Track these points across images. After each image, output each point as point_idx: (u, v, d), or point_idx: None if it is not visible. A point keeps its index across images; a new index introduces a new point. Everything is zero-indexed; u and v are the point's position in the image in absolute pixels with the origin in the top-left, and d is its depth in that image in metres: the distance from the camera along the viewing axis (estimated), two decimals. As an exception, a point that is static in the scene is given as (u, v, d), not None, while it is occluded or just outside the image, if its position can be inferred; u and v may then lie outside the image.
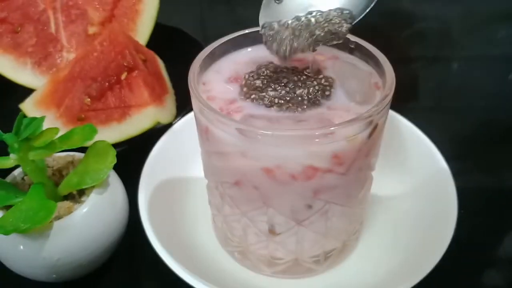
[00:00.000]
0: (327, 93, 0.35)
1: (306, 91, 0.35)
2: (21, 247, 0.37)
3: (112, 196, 0.40)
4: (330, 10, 0.36)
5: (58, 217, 0.37)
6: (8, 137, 0.36)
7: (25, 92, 0.54)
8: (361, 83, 0.36)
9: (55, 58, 0.58)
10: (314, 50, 0.36)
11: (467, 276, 0.42)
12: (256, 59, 0.38)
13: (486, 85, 0.66)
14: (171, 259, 0.37)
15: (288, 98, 0.34)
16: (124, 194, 0.42)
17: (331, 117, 0.33)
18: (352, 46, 0.38)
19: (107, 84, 0.51)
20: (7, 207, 0.38)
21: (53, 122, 0.50)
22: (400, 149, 0.47)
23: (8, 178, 0.41)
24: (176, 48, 0.59)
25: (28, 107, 0.52)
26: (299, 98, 0.34)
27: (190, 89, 0.34)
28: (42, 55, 0.58)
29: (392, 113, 0.47)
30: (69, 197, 0.40)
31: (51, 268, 0.37)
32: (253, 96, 0.35)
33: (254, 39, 0.39)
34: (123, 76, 0.51)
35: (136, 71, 0.51)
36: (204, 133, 0.35)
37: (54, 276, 0.38)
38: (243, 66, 0.38)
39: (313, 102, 0.34)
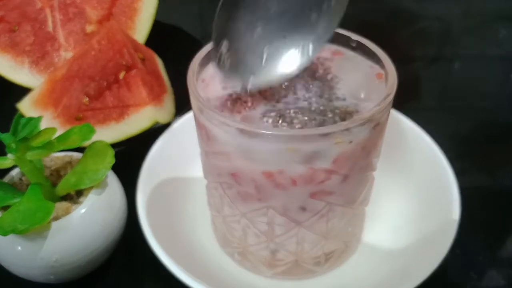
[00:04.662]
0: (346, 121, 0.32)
1: (322, 119, 0.32)
2: (19, 248, 0.36)
3: (111, 197, 0.40)
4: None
5: (56, 218, 0.37)
6: (5, 137, 0.36)
7: (23, 91, 0.54)
8: (364, 77, 0.36)
9: (53, 57, 0.58)
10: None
11: (469, 276, 0.42)
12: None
13: (489, 84, 0.66)
14: (170, 260, 0.37)
15: (297, 119, 0.33)
16: (123, 195, 0.42)
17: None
18: (354, 45, 0.38)
19: (105, 83, 0.50)
20: (5, 208, 0.37)
21: (50, 121, 0.50)
22: (402, 149, 0.47)
23: (6, 179, 0.41)
24: (175, 46, 0.59)
25: (26, 106, 0.51)
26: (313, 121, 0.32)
27: (189, 88, 0.34)
28: (40, 54, 0.57)
29: (394, 112, 0.47)
30: (67, 197, 0.40)
31: (49, 269, 0.37)
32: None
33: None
34: (121, 75, 0.51)
35: (135, 70, 0.51)
36: (203, 133, 0.35)
37: (52, 277, 0.38)
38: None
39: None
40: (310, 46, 0.33)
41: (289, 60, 0.33)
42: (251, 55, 0.32)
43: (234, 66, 0.31)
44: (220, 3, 0.29)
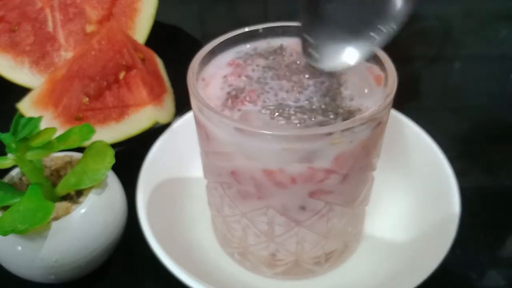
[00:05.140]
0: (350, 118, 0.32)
1: (320, 119, 0.33)
2: (19, 248, 0.36)
3: (111, 197, 0.40)
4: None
5: (56, 218, 0.37)
6: (5, 137, 0.36)
7: (23, 91, 0.54)
8: (364, 77, 0.36)
9: (53, 57, 0.58)
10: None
11: (469, 276, 0.42)
12: (256, 57, 0.38)
13: (489, 84, 0.66)
14: (170, 260, 0.37)
15: (297, 114, 0.33)
16: (123, 195, 0.42)
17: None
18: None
19: (105, 83, 0.50)
20: (5, 208, 0.37)
21: (50, 121, 0.50)
22: (402, 148, 0.47)
23: (6, 179, 0.41)
24: (175, 46, 0.59)
25: (26, 106, 0.51)
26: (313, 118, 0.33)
27: (189, 88, 0.34)
28: (40, 54, 0.57)
29: (394, 112, 0.47)
30: (67, 197, 0.40)
31: (49, 269, 0.37)
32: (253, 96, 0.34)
33: (254, 37, 0.39)
34: (121, 75, 0.51)
35: (135, 70, 0.51)
36: (203, 133, 0.35)
37: (52, 277, 0.38)
38: (244, 64, 0.38)
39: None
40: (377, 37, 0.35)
41: (357, 50, 0.35)
42: (330, 46, 0.35)
43: (318, 54, 0.35)
44: (302, 10, 0.35)
